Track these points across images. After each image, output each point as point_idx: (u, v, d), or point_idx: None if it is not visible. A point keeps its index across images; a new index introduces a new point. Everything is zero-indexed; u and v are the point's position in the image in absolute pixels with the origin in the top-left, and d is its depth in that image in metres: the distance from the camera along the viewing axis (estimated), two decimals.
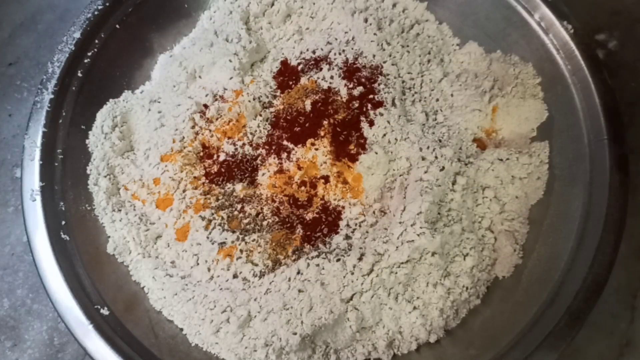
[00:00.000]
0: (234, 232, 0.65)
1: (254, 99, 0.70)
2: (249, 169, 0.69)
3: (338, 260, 0.61)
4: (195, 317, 0.62)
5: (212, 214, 0.66)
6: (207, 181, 0.68)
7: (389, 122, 0.68)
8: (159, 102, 0.73)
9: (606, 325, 0.70)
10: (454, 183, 0.64)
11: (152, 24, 0.76)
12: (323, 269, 0.60)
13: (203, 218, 0.66)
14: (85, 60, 0.70)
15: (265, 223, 0.66)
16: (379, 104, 0.69)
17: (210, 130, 0.70)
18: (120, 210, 0.67)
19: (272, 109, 0.72)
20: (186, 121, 0.69)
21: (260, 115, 0.71)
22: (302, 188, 0.67)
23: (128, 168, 0.70)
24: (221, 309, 0.61)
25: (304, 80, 0.72)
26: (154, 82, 0.77)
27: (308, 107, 0.70)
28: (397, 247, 0.60)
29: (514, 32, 0.72)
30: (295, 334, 0.57)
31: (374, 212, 0.66)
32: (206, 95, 0.71)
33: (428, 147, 0.65)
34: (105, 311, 0.60)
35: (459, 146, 0.68)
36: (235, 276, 0.64)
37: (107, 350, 0.57)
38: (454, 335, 0.63)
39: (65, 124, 0.67)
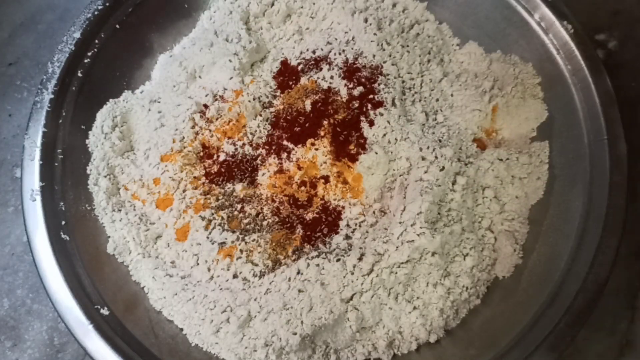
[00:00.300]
0: (234, 232, 0.65)
1: (254, 99, 0.70)
2: (249, 169, 0.69)
3: (338, 260, 0.61)
4: (195, 317, 0.62)
5: (212, 214, 0.66)
6: (207, 181, 0.68)
7: (389, 122, 0.68)
8: (159, 102, 0.73)
9: (606, 325, 0.70)
10: (454, 183, 0.64)
11: (152, 24, 0.76)
12: (323, 269, 0.60)
13: (203, 218, 0.66)
14: (85, 60, 0.70)
15: (265, 223, 0.66)
16: (379, 104, 0.69)
17: (210, 130, 0.70)
18: (120, 210, 0.67)
19: (272, 109, 0.72)
20: (186, 121, 0.69)
21: (260, 115, 0.71)
22: (302, 188, 0.67)
23: (128, 168, 0.70)
24: (221, 309, 0.61)
25: (304, 80, 0.72)
26: (154, 82, 0.77)
27: (308, 107, 0.70)
28: (397, 247, 0.60)
29: (514, 32, 0.72)
30: (295, 334, 0.57)
31: (374, 212, 0.66)
32: (206, 95, 0.71)
33: (428, 147, 0.65)
34: (105, 311, 0.60)
35: (459, 146, 0.68)
36: (235, 276, 0.64)
37: (107, 350, 0.57)
38: (454, 335, 0.63)
39: (65, 124, 0.67)
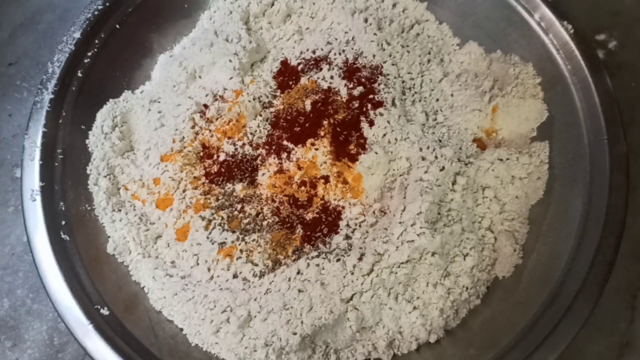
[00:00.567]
0: (234, 232, 0.65)
1: (254, 99, 0.70)
2: (249, 169, 0.69)
3: (338, 260, 0.61)
4: (195, 317, 0.62)
5: (212, 214, 0.66)
6: (207, 181, 0.68)
7: (389, 122, 0.68)
8: (159, 102, 0.73)
9: (606, 325, 0.70)
10: (454, 183, 0.64)
11: (152, 24, 0.76)
12: (323, 269, 0.60)
13: (203, 218, 0.66)
14: (85, 60, 0.70)
15: (265, 223, 0.66)
16: (379, 104, 0.69)
17: (210, 130, 0.70)
18: (120, 210, 0.67)
19: (272, 109, 0.72)
20: (186, 121, 0.69)
21: (260, 115, 0.71)
22: (302, 188, 0.67)
23: (128, 168, 0.70)
24: (221, 309, 0.61)
25: (304, 80, 0.72)
26: (154, 82, 0.77)
27: (308, 107, 0.70)
28: (397, 247, 0.60)
29: (514, 32, 0.72)
30: (295, 334, 0.57)
31: (374, 212, 0.66)
32: (206, 95, 0.71)
33: (428, 147, 0.65)
34: (105, 311, 0.60)
35: (459, 146, 0.68)
36: (235, 276, 0.64)
37: (107, 350, 0.57)
38: (454, 335, 0.63)
39: (65, 124, 0.67)
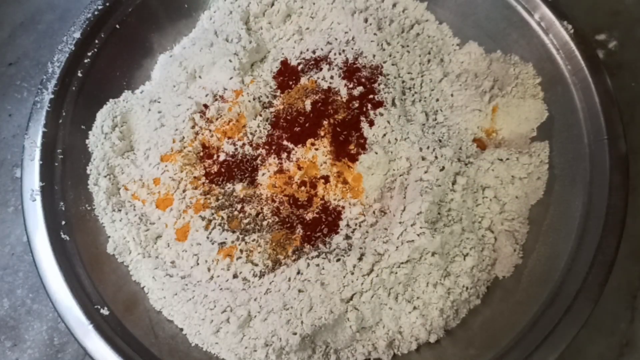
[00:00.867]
0: (234, 232, 0.65)
1: (254, 99, 0.70)
2: (249, 169, 0.69)
3: (338, 260, 0.61)
4: (195, 317, 0.62)
5: (212, 214, 0.66)
6: (207, 181, 0.68)
7: (389, 122, 0.68)
8: (159, 102, 0.73)
9: (606, 325, 0.70)
10: (454, 183, 0.64)
11: (152, 24, 0.76)
12: (323, 269, 0.60)
13: (203, 218, 0.66)
14: (85, 60, 0.70)
15: (265, 223, 0.66)
16: (379, 104, 0.69)
17: (210, 130, 0.70)
18: (120, 210, 0.67)
19: (272, 109, 0.72)
20: (186, 121, 0.69)
21: (260, 115, 0.71)
22: (302, 188, 0.67)
23: (128, 168, 0.70)
24: (221, 309, 0.61)
25: (304, 80, 0.72)
26: (154, 82, 0.77)
27: (308, 107, 0.70)
28: (397, 247, 0.60)
29: (514, 32, 0.72)
30: (295, 334, 0.57)
31: (374, 212, 0.66)
32: (206, 95, 0.71)
33: (428, 147, 0.65)
34: (105, 311, 0.60)
35: (459, 146, 0.68)
36: (235, 276, 0.64)
37: (107, 350, 0.57)
38: (454, 335, 0.63)
39: (65, 124, 0.67)
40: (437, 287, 0.61)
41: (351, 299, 0.60)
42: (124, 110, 0.72)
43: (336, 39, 0.74)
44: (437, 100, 0.73)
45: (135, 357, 0.58)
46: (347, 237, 0.65)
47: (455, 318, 0.63)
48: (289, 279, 0.61)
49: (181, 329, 0.63)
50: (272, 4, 0.77)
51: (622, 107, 0.63)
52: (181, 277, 0.64)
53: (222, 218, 0.66)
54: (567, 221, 0.62)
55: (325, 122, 0.69)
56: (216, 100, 0.71)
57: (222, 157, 0.69)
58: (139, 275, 0.66)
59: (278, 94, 0.73)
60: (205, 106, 0.71)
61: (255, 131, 0.70)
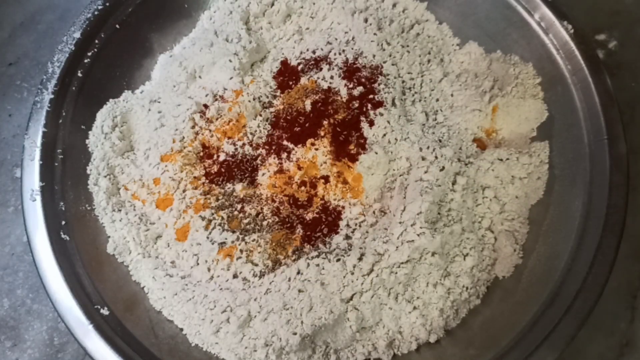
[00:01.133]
0: (234, 232, 0.65)
1: (254, 99, 0.70)
2: (249, 169, 0.69)
3: (338, 260, 0.61)
4: (195, 317, 0.62)
5: (212, 214, 0.66)
6: (207, 181, 0.68)
7: (389, 122, 0.68)
8: (159, 102, 0.73)
9: (606, 325, 0.70)
10: (454, 183, 0.64)
11: (152, 24, 0.76)
12: (323, 269, 0.60)
13: (203, 218, 0.66)
14: (85, 60, 0.70)
15: (265, 223, 0.66)
16: (379, 104, 0.69)
17: (210, 130, 0.70)
18: (120, 210, 0.67)
19: (272, 109, 0.72)
20: (186, 121, 0.69)
21: (260, 115, 0.71)
22: (302, 188, 0.67)
23: (128, 168, 0.70)
24: (221, 309, 0.61)
25: (304, 80, 0.72)
26: (154, 82, 0.77)
27: (308, 107, 0.70)
28: (397, 247, 0.60)
29: (514, 32, 0.72)
30: (295, 334, 0.57)
31: (374, 212, 0.66)
32: (206, 95, 0.71)
33: (428, 147, 0.65)
34: (105, 311, 0.60)
35: (459, 146, 0.68)
36: (235, 276, 0.64)
37: (107, 350, 0.57)
38: (454, 335, 0.63)
39: (65, 124, 0.67)
40: (437, 287, 0.61)
41: (351, 299, 0.60)
42: (124, 110, 0.72)
43: (336, 39, 0.74)
44: (437, 100, 0.73)
45: (135, 357, 0.58)
46: (347, 237, 0.65)
47: (455, 318, 0.63)
48: (289, 279, 0.61)
49: (181, 329, 0.63)
50: (272, 4, 0.77)
51: (622, 107, 0.63)
52: (181, 277, 0.64)
53: (222, 218, 0.66)
54: (567, 221, 0.62)
55: (325, 122, 0.69)
56: (216, 100, 0.71)
57: (222, 157, 0.69)
58: (139, 275, 0.66)
59: (278, 94, 0.73)
60: (205, 106, 0.71)
61: (255, 131, 0.70)
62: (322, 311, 0.58)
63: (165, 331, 0.63)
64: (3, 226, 0.77)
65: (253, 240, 0.65)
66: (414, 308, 0.61)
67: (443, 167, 0.63)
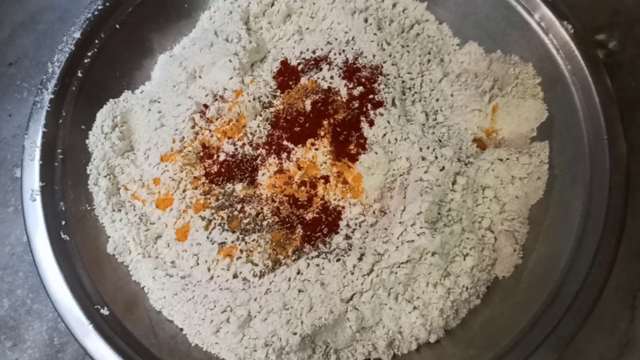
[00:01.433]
0: (234, 232, 0.65)
1: (254, 99, 0.70)
2: (249, 169, 0.69)
3: (338, 260, 0.61)
4: (195, 317, 0.62)
5: (212, 214, 0.66)
6: (207, 181, 0.68)
7: (389, 122, 0.68)
8: (159, 102, 0.73)
9: (606, 325, 0.70)
10: (454, 183, 0.64)
11: (152, 24, 0.76)
12: (323, 269, 0.60)
13: (203, 218, 0.66)
14: (85, 60, 0.70)
15: (265, 223, 0.66)
16: (379, 104, 0.69)
17: (210, 130, 0.70)
18: (120, 210, 0.67)
19: (272, 109, 0.72)
20: (186, 121, 0.69)
21: (260, 115, 0.71)
22: (302, 188, 0.67)
23: (128, 168, 0.70)
24: (221, 309, 0.61)
25: (304, 80, 0.72)
26: (154, 82, 0.77)
27: (308, 107, 0.70)
28: (397, 247, 0.60)
29: (514, 32, 0.72)
30: (295, 334, 0.57)
31: (374, 212, 0.66)
32: (206, 95, 0.71)
33: (428, 147, 0.65)
34: (105, 311, 0.60)
35: (459, 146, 0.68)
36: (235, 276, 0.64)
37: (107, 350, 0.57)
38: (454, 335, 0.63)
39: (65, 124, 0.67)
40: (437, 287, 0.61)
41: (351, 299, 0.60)
42: (124, 110, 0.72)
43: (336, 39, 0.74)
44: (437, 100, 0.73)
45: (135, 357, 0.58)
46: (347, 237, 0.65)
47: (455, 318, 0.63)
48: (289, 279, 0.61)
49: (181, 329, 0.63)
50: (272, 4, 0.77)
51: (622, 107, 0.63)
52: (181, 277, 0.64)
53: (222, 218, 0.66)
54: (567, 221, 0.62)
55: (325, 122, 0.69)
56: (216, 100, 0.71)
57: (222, 157, 0.69)
58: (139, 275, 0.66)
59: (278, 94, 0.73)
60: (205, 106, 0.71)
61: (255, 131, 0.70)
62: (322, 311, 0.58)
63: (165, 331, 0.63)
64: (3, 226, 0.77)
65: (253, 240, 0.65)
66: (414, 308, 0.61)
67: (443, 167, 0.63)
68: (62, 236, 0.62)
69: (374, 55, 0.71)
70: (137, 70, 0.77)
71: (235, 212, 0.67)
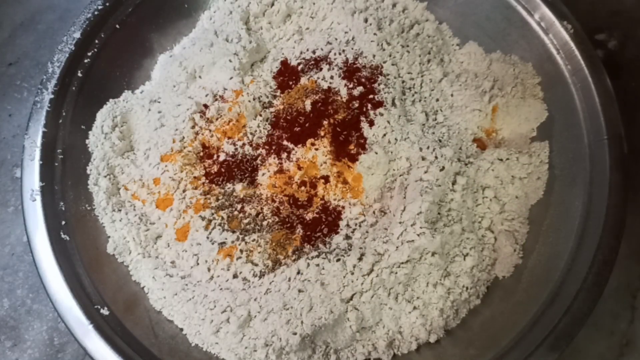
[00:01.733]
0: (234, 232, 0.65)
1: (254, 99, 0.70)
2: (249, 169, 0.69)
3: (338, 260, 0.61)
4: (195, 317, 0.62)
5: (212, 214, 0.66)
6: (207, 181, 0.68)
7: (389, 122, 0.68)
8: (159, 102, 0.73)
9: (606, 325, 0.70)
10: (454, 183, 0.64)
11: (152, 24, 0.76)
12: (323, 269, 0.60)
13: (203, 218, 0.66)
14: (85, 60, 0.70)
15: (265, 223, 0.66)
16: (379, 104, 0.69)
17: (210, 130, 0.70)
18: (120, 210, 0.67)
19: (272, 109, 0.72)
20: (186, 121, 0.69)
21: (260, 115, 0.71)
22: (302, 188, 0.67)
23: (128, 168, 0.70)
24: (221, 309, 0.61)
25: (304, 80, 0.72)
26: (154, 82, 0.77)
27: (308, 107, 0.70)
28: (397, 247, 0.60)
29: (514, 32, 0.72)
30: (295, 334, 0.57)
31: (374, 212, 0.66)
32: (206, 95, 0.71)
33: (428, 147, 0.65)
34: (105, 311, 0.60)
35: (459, 146, 0.68)
36: (235, 276, 0.64)
37: (107, 350, 0.57)
38: (454, 335, 0.63)
39: (65, 124, 0.67)
40: (437, 287, 0.61)
41: (351, 299, 0.60)
42: (124, 110, 0.72)
43: (336, 39, 0.74)
44: (437, 100, 0.73)
45: (135, 357, 0.58)
46: (347, 237, 0.65)
47: (455, 318, 0.63)
48: (289, 279, 0.61)
49: (181, 329, 0.63)
50: (272, 4, 0.77)
51: (622, 107, 0.63)
52: (181, 277, 0.64)
53: (222, 218, 0.66)
54: (567, 221, 0.62)
55: (325, 122, 0.69)
56: (216, 100, 0.71)
57: (222, 157, 0.69)
58: (139, 275, 0.66)
59: (278, 94, 0.73)
60: (205, 106, 0.71)
61: (255, 131, 0.70)
62: (322, 311, 0.58)
63: (165, 331, 0.63)
64: (3, 226, 0.77)
65: (253, 240, 0.65)
66: (414, 308, 0.61)
67: (443, 167, 0.63)
68: (62, 236, 0.62)
69: (374, 55, 0.71)
70: (137, 70, 0.77)
71: (235, 212, 0.67)
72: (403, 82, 0.72)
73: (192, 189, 0.68)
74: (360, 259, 0.60)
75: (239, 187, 0.68)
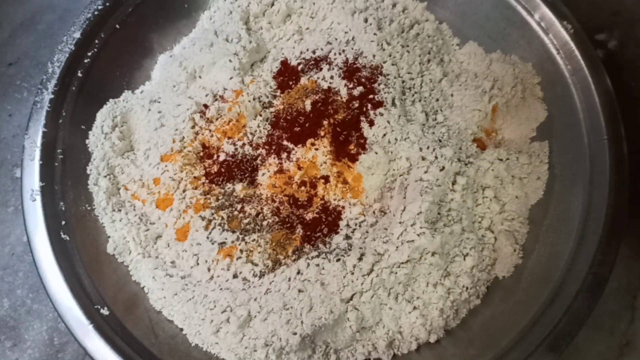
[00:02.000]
0: (234, 232, 0.65)
1: (254, 99, 0.70)
2: (249, 169, 0.69)
3: (338, 260, 0.61)
4: (195, 317, 0.62)
5: (212, 214, 0.66)
6: (207, 181, 0.68)
7: (389, 122, 0.68)
8: (159, 102, 0.73)
9: (606, 325, 0.70)
10: (454, 183, 0.64)
11: (152, 24, 0.76)
12: (323, 269, 0.60)
13: (203, 218, 0.66)
14: (85, 60, 0.70)
15: (265, 223, 0.66)
16: (379, 104, 0.69)
17: (210, 130, 0.70)
18: (120, 210, 0.67)
19: (272, 109, 0.72)
20: (186, 121, 0.69)
21: (260, 115, 0.71)
22: (302, 188, 0.67)
23: (128, 168, 0.70)
24: (221, 309, 0.61)
25: (304, 80, 0.72)
26: (154, 82, 0.77)
27: (308, 107, 0.70)
28: (397, 247, 0.60)
29: (514, 32, 0.72)
30: (295, 334, 0.57)
31: (374, 212, 0.66)
32: (206, 95, 0.71)
33: (428, 147, 0.65)
34: (105, 311, 0.60)
35: (459, 146, 0.68)
36: (235, 276, 0.64)
37: (107, 350, 0.57)
38: (454, 335, 0.63)
39: (65, 124, 0.67)
40: (437, 287, 0.61)
41: (351, 299, 0.60)
42: (124, 110, 0.72)
43: (336, 39, 0.74)
44: (437, 100, 0.73)
45: (135, 357, 0.58)
46: (347, 237, 0.65)
47: (455, 318, 0.63)
48: (289, 279, 0.61)
49: (181, 329, 0.63)
50: (272, 4, 0.77)
51: (622, 107, 0.63)
52: (181, 277, 0.64)
53: (222, 218, 0.66)
54: (567, 221, 0.62)
55: (325, 122, 0.69)
56: (216, 100, 0.71)
57: (222, 157, 0.69)
58: (139, 275, 0.66)
59: (278, 94, 0.73)
60: (205, 106, 0.71)
61: (255, 131, 0.70)
62: (322, 311, 0.58)
63: (165, 331, 0.63)
64: (3, 226, 0.77)
65: (253, 240, 0.65)
66: (414, 308, 0.61)
67: (443, 167, 0.63)
68: (62, 236, 0.62)
69: (374, 55, 0.71)
70: (137, 70, 0.77)
71: (235, 212, 0.67)
72: (403, 82, 0.72)
73: (192, 189, 0.68)
74: (360, 259, 0.60)
75: (239, 187, 0.68)
